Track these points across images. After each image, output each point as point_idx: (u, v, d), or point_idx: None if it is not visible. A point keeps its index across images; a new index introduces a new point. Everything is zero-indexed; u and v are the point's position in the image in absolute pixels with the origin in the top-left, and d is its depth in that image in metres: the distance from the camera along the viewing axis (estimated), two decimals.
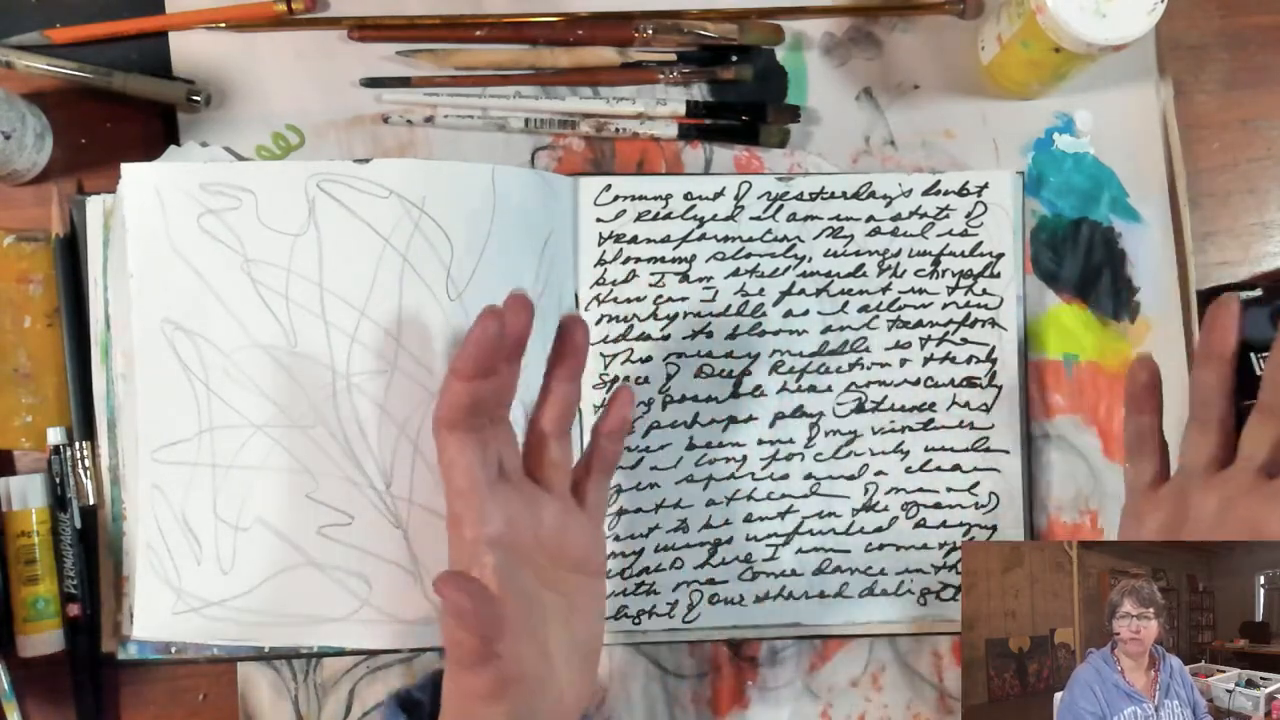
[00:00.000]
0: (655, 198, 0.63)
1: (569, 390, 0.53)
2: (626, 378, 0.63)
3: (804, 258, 0.64)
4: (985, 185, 0.64)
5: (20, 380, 0.62)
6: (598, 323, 0.63)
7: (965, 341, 0.64)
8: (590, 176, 0.64)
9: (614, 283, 0.63)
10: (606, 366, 0.63)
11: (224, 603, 0.58)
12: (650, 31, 0.65)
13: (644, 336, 0.63)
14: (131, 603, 0.59)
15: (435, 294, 0.58)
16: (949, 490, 0.64)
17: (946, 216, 0.64)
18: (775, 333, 0.64)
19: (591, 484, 0.55)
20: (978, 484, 0.64)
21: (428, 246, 0.58)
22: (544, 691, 0.50)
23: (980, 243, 0.64)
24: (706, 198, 0.64)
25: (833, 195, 0.64)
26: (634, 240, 0.63)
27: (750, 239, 0.64)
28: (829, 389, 0.64)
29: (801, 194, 0.64)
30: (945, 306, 0.64)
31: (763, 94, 0.66)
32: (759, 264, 0.64)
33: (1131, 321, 0.66)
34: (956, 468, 0.64)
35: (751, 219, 0.64)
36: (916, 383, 0.64)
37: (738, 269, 0.64)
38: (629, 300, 0.63)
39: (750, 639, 0.63)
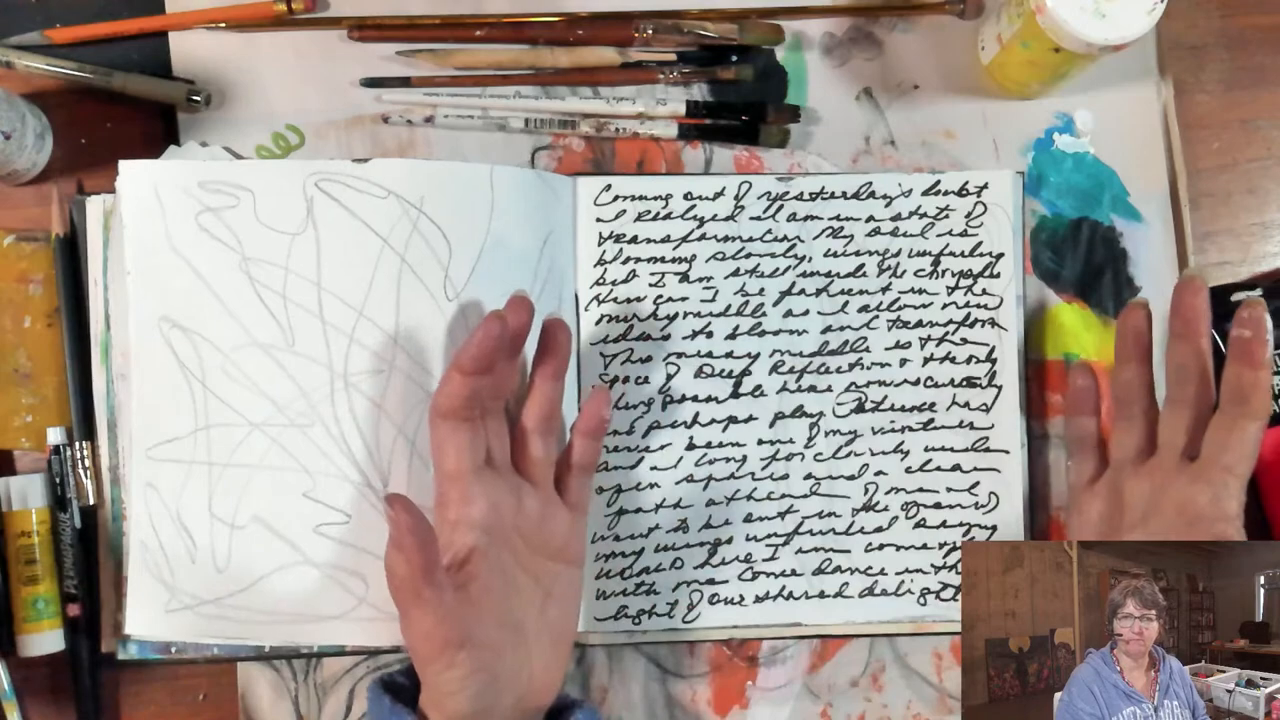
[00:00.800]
0: (655, 198, 0.63)
1: (552, 389, 0.57)
2: (627, 378, 0.63)
3: (804, 258, 0.64)
4: (985, 185, 0.64)
5: (20, 380, 0.62)
6: (598, 323, 0.63)
7: (965, 341, 0.64)
8: (590, 176, 0.63)
9: (614, 283, 0.63)
10: (606, 366, 0.63)
11: (219, 601, 0.58)
12: (650, 31, 0.65)
13: (644, 336, 0.63)
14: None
15: (433, 294, 0.58)
16: (949, 490, 0.64)
17: (946, 216, 0.64)
18: (775, 333, 0.64)
19: (573, 480, 0.58)
20: (978, 484, 0.64)
21: (426, 247, 0.58)
22: (507, 665, 0.52)
23: (980, 243, 0.64)
24: (706, 198, 0.64)
25: (833, 195, 0.64)
26: (634, 240, 0.63)
27: (750, 239, 0.64)
28: (829, 389, 0.64)
29: (801, 194, 0.64)
30: (945, 306, 0.64)
31: (763, 94, 0.66)
32: (759, 264, 0.64)
33: None
34: (956, 468, 0.64)
35: (751, 219, 0.64)
36: (916, 383, 0.64)
37: (738, 269, 0.64)
38: (629, 300, 0.63)
39: (750, 639, 0.63)
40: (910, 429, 0.64)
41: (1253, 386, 0.53)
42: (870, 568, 0.63)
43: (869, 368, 0.64)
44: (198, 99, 0.63)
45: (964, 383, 0.64)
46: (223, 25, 0.64)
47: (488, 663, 0.50)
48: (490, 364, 0.52)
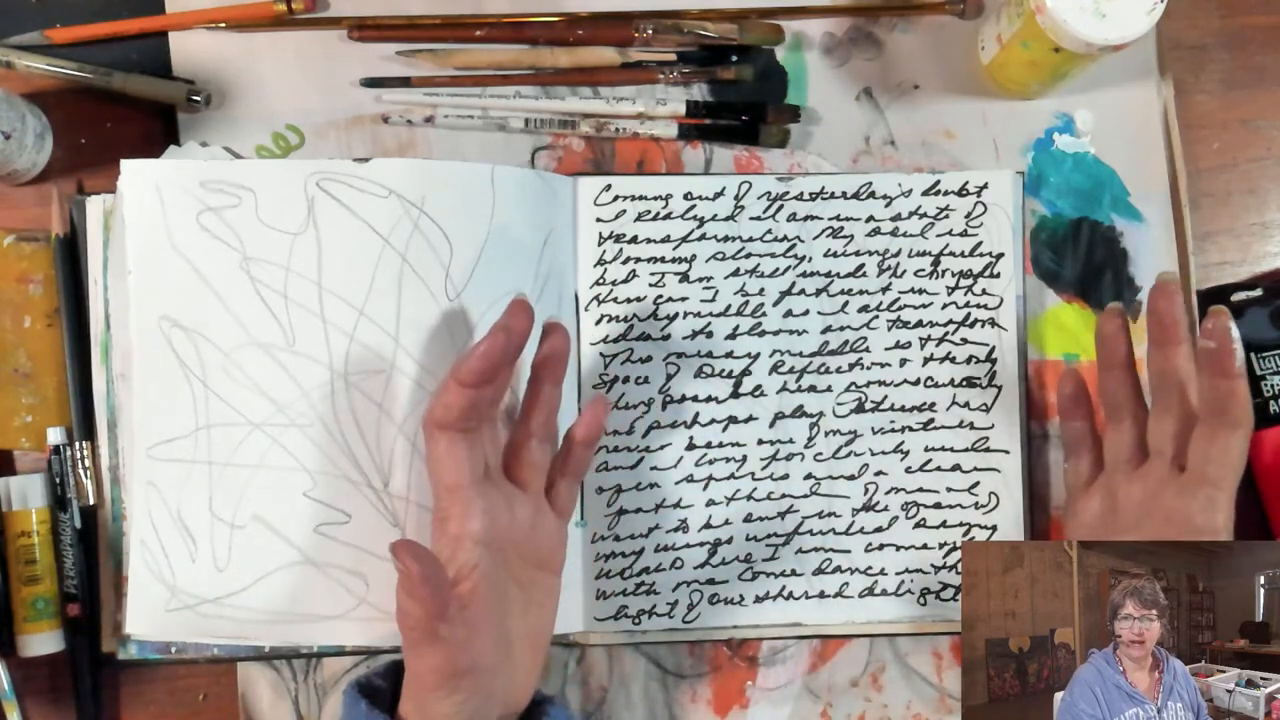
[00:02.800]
0: (655, 198, 0.63)
1: (553, 394, 0.56)
2: (627, 378, 0.63)
3: (804, 258, 0.64)
4: (985, 185, 0.64)
5: (20, 380, 0.62)
6: (598, 323, 0.63)
7: (965, 341, 0.64)
8: (590, 176, 0.63)
9: (614, 283, 0.63)
10: (607, 366, 0.63)
11: (219, 600, 0.58)
12: (650, 31, 0.65)
13: (644, 336, 0.63)
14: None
15: (434, 294, 0.58)
16: (949, 490, 0.64)
17: (946, 217, 0.64)
18: (775, 333, 0.64)
19: (563, 487, 0.57)
20: (978, 484, 0.64)
21: (427, 246, 0.58)
22: (500, 682, 0.52)
23: (980, 243, 0.64)
24: (706, 198, 0.64)
25: (833, 195, 0.64)
26: (634, 240, 0.63)
27: (750, 239, 0.64)
28: (829, 389, 0.64)
29: (801, 194, 0.64)
30: (945, 306, 0.64)
31: (763, 94, 0.66)
32: (759, 264, 0.64)
33: (1134, 320, 0.65)
34: (956, 468, 0.64)
35: (751, 219, 0.64)
36: (916, 383, 0.64)
37: (738, 269, 0.64)
38: (629, 300, 0.63)
39: (750, 639, 0.63)
40: (910, 429, 0.64)
41: (1228, 396, 0.52)
42: (870, 568, 0.63)
43: (869, 368, 0.64)
44: (198, 99, 0.63)
45: (964, 383, 0.64)
46: (223, 25, 0.64)
47: (484, 684, 0.50)
48: (493, 376, 0.51)
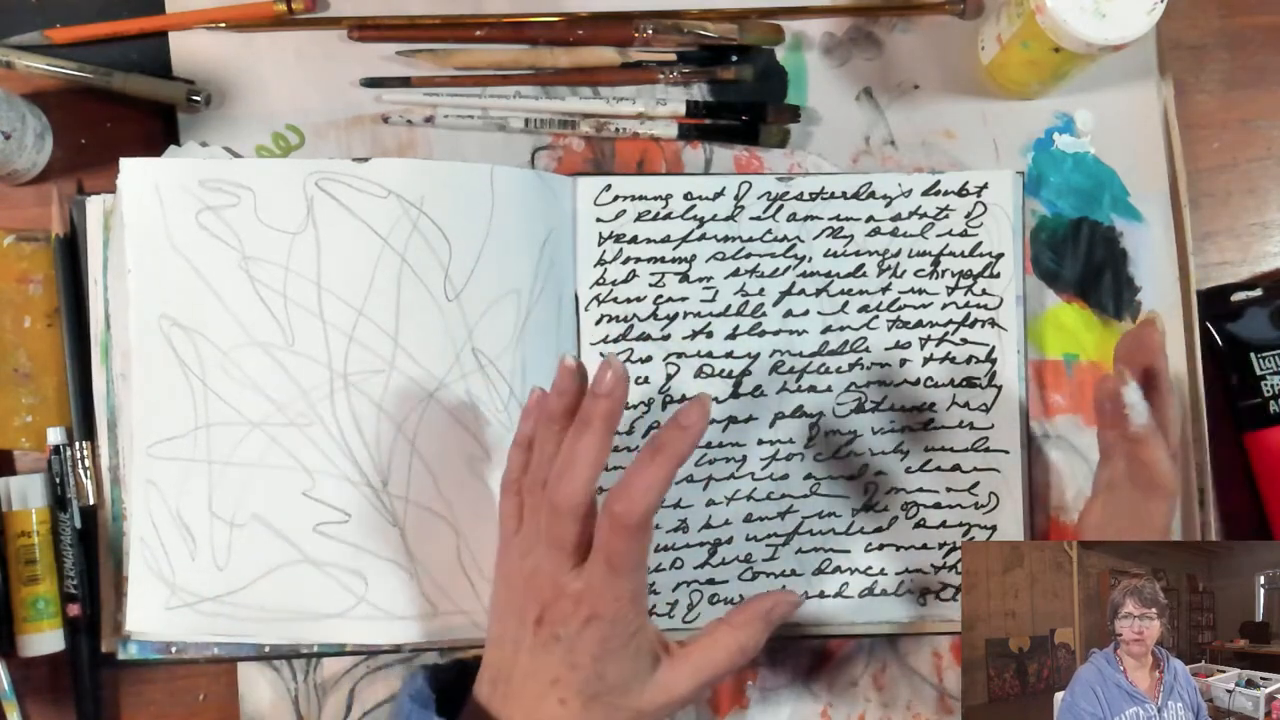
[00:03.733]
0: (655, 198, 0.63)
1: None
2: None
3: (804, 258, 0.64)
4: (985, 185, 0.64)
5: (20, 380, 0.62)
6: (598, 323, 0.63)
7: (965, 341, 0.64)
8: (590, 176, 0.63)
9: (614, 283, 0.63)
10: None
11: (219, 598, 0.58)
12: (650, 31, 0.65)
13: (644, 336, 0.63)
14: None
15: (433, 294, 0.58)
16: (949, 490, 0.64)
17: (946, 217, 0.64)
18: (775, 333, 0.64)
19: None
20: (978, 484, 0.64)
21: (426, 246, 0.58)
22: None
23: (980, 243, 0.64)
24: (706, 198, 0.64)
25: (833, 195, 0.64)
26: (634, 240, 0.63)
27: (750, 239, 0.64)
28: (829, 389, 0.64)
29: (801, 194, 0.64)
30: (945, 306, 0.64)
31: (763, 94, 0.66)
32: (759, 264, 0.64)
33: (1134, 320, 0.65)
34: (956, 468, 0.64)
35: (751, 219, 0.64)
36: (916, 383, 0.64)
37: (738, 269, 0.64)
38: (629, 300, 0.63)
39: None
40: (910, 429, 0.64)
41: (1132, 458, 0.54)
42: (870, 568, 0.63)
43: (869, 368, 0.64)
44: (198, 99, 0.63)
45: (964, 383, 0.64)
46: (223, 25, 0.64)
47: None
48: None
